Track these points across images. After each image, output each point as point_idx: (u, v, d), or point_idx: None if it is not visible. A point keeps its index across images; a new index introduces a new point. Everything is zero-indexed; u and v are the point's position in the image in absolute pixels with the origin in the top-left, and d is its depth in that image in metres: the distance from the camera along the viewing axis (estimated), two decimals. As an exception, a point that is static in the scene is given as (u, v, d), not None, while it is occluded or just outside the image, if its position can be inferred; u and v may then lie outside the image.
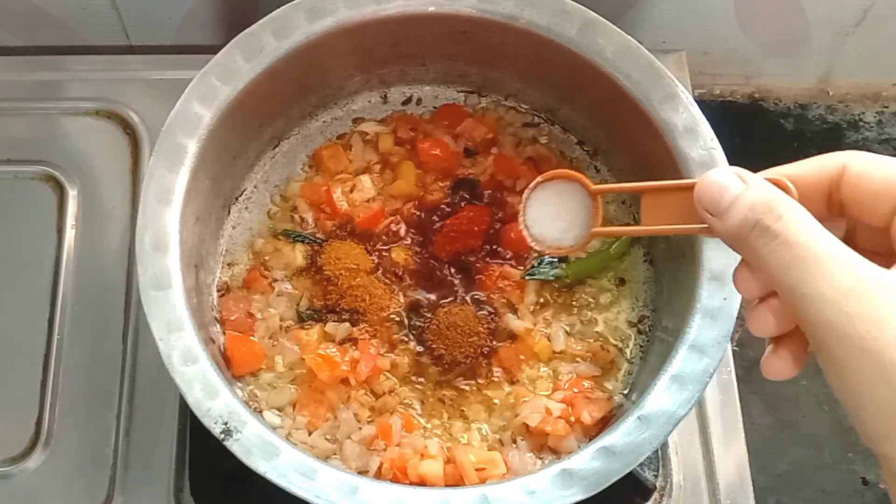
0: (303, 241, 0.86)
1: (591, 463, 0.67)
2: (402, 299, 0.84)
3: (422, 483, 0.75)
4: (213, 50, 0.78)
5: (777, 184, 0.45)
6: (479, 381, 0.82)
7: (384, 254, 0.86)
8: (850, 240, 0.47)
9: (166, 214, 0.73)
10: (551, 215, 0.58)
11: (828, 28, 1.07)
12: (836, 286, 0.40)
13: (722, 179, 0.45)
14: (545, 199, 0.58)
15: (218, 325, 0.82)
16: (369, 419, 0.79)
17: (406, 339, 0.83)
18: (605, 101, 0.82)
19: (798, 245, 0.42)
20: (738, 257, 0.72)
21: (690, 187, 0.48)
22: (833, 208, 0.47)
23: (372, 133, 0.91)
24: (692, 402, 0.69)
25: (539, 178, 0.58)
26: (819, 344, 0.41)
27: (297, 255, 0.86)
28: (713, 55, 1.10)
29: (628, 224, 0.88)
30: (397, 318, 0.83)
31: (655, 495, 0.83)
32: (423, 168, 0.89)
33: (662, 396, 0.69)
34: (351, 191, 0.88)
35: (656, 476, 0.84)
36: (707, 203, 0.46)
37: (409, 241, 0.87)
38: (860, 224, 0.47)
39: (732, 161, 0.76)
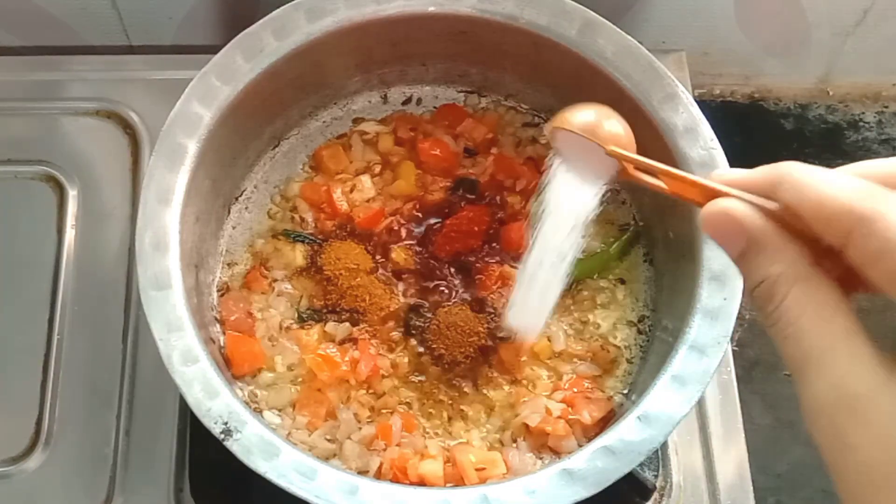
0: (303, 241, 0.86)
1: (592, 463, 0.67)
2: (402, 299, 0.84)
3: (422, 483, 0.75)
4: (213, 50, 0.78)
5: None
6: (479, 380, 0.82)
7: (384, 254, 0.86)
8: None
9: (166, 214, 0.73)
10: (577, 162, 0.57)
11: (828, 28, 1.07)
12: (820, 398, 0.36)
13: (725, 221, 0.40)
14: (569, 149, 0.57)
15: (218, 325, 0.82)
16: (369, 419, 0.79)
17: (406, 339, 0.83)
18: (605, 101, 0.82)
19: (790, 340, 0.38)
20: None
21: (706, 190, 0.44)
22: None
23: (372, 133, 0.91)
24: (692, 402, 0.69)
25: (554, 125, 0.57)
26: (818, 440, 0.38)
27: (297, 255, 0.86)
28: (713, 55, 1.10)
29: (629, 225, 0.88)
30: (397, 318, 0.83)
31: (655, 495, 0.83)
32: (423, 168, 0.89)
33: (662, 396, 0.69)
34: (351, 191, 0.88)
35: (656, 476, 0.84)
36: (720, 241, 0.41)
37: (409, 241, 0.87)
38: None
39: (732, 161, 0.76)
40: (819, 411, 0.37)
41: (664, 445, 0.85)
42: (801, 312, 0.38)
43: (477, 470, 0.76)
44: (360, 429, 0.78)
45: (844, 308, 0.38)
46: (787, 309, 0.38)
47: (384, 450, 0.77)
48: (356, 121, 0.92)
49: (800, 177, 0.39)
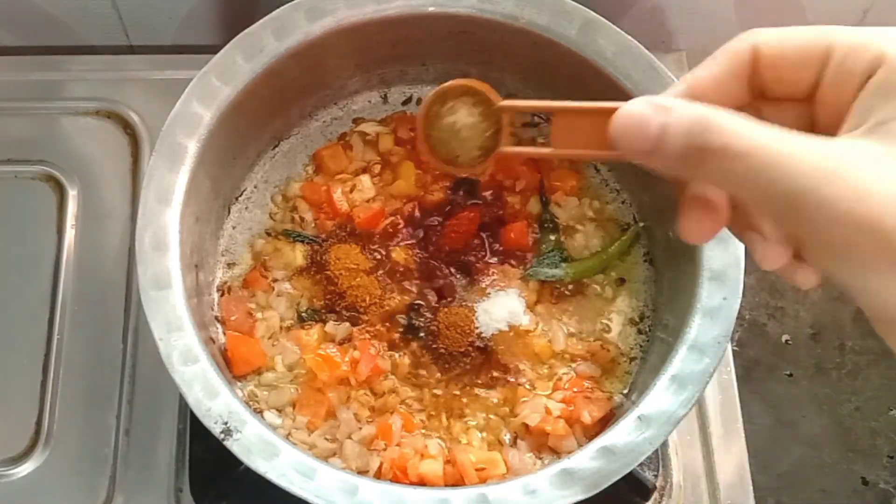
0: (302, 241, 0.86)
1: (591, 463, 0.67)
2: (402, 299, 0.84)
3: (422, 483, 0.75)
4: (213, 50, 0.78)
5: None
6: (479, 381, 0.82)
7: (384, 254, 0.86)
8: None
9: (166, 214, 0.73)
10: (457, 135, 0.54)
11: (828, 28, 1.07)
12: (808, 177, 0.38)
13: (640, 110, 0.42)
14: (450, 116, 0.54)
15: (218, 325, 0.82)
16: (369, 419, 0.79)
17: (406, 339, 0.83)
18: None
19: (751, 152, 0.38)
20: (739, 257, 0.73)
21: (605, 111, 0.44)
22: (756, 93, 0.45)
23: (372, 133, 0.91)
24: (692, 402, 0.69)
25: (439, 88, 0.53)
26: (811, 236, 0.39)
27: (297, 255, 0.86)
28: (713, 55, 1.10)
29: (629, 225, 0.88)
30: (397, 318, 0.83)
31: (655, 495, 0.83)
32: (423, 168, 0.89)
33: (662, 396, 0.69)
34: (351, 191, 0.88)
35: (656, 476, 0.84)
36: (632, 139, 0.42)
37: (409, 241, 0.87)
38: (787, 104, 0.45)
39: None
40: (819, 178, 0.38)
41: (664, 445, 0.85)
42: (748, 124, 0.39)
43: (477, 470, 0.76)
44: (360, 429, 0.78)
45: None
46: (733, 128, 0.39)
47: (384, 450, 0.77)
48: (356, 121, 0.92)
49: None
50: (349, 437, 0.78)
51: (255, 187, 0.89)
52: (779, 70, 0.44)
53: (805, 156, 0.38)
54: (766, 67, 0.44)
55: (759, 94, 0.45)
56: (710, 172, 0.40)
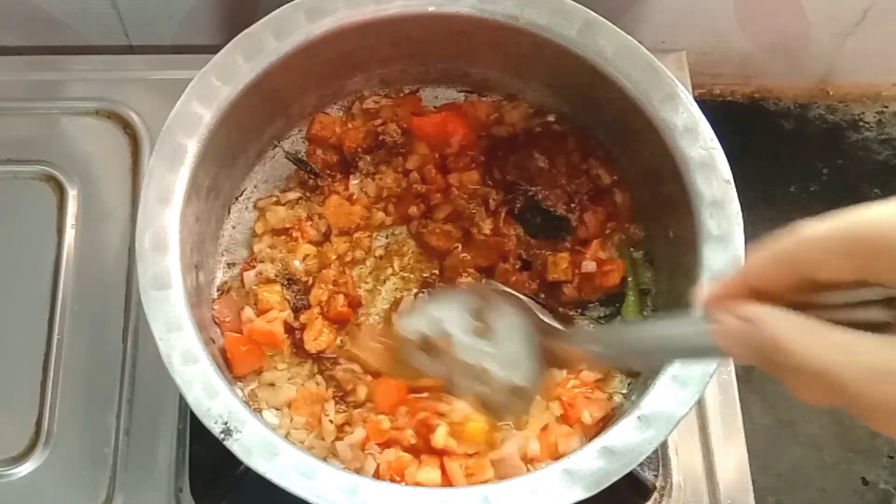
0: (307, 171, 0.87)
1: (592, 463, 0.67)
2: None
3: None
4: (213, 50, 0.78)
5: None
6: (479, 381, 0.81)
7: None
8: None
9: (166, 214, 0.73)
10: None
11: (828, 28, 1.07)
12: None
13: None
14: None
15: (218, 326, 0.82)
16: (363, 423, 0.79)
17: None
18: (605, 100, 0.82)
19: (821, 371, 0.41)
20: (739, 257, 0.72)
21: None
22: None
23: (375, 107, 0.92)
24: (692, 402, 0.69)
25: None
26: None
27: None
28: (713, 55, 1.10)
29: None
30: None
31: (655, 495, 0.83)
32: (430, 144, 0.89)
33: (662, 396, 0.69)
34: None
35: (656, 476, 0.84)
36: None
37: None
38: None
39: (732, 161, 0.76)
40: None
41: (664, 445, 0.85)
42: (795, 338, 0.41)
43: (466, 476, 0.75)
44: (352, 433, 0.78)
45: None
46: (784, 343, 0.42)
47: (381, 452, 0.77)
48: (356, 119, 0.93)
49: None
50: (339, 440, 0.77)
51: (255, 187, 0.89)
52: (826, 268, 0.41)
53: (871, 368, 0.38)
54: (811, 264, 0.42)
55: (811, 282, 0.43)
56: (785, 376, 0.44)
